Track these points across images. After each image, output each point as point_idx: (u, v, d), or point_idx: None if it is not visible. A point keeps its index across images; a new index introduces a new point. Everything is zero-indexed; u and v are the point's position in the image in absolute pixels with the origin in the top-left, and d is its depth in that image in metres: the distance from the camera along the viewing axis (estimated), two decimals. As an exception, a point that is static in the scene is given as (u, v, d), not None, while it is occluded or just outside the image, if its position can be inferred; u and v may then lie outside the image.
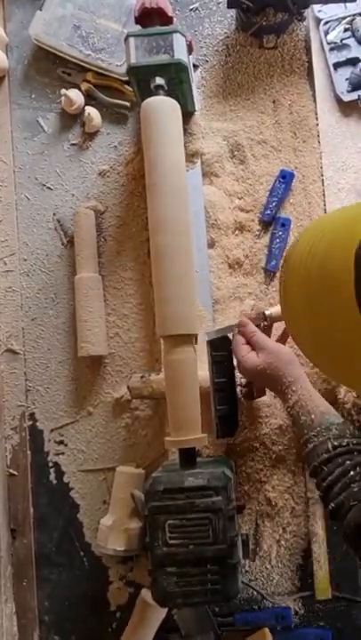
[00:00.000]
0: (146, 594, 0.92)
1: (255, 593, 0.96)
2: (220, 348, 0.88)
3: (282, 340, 0.91)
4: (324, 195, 1.04)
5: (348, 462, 0.71)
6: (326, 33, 1.05)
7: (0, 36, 1.05)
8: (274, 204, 1.01)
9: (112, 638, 0.98)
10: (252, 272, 1.03)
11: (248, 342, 0.85)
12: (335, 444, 0.73)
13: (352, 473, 0.70)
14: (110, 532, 0.92)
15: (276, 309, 0.91)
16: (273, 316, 0.90)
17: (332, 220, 0.59)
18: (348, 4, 1.04)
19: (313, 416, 0.76)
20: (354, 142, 1.06)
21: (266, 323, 0.89)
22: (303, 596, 0.97)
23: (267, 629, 0.92)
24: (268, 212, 1.02)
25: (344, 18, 1.05)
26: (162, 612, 0.92)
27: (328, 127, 1.05)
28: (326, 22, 1.05)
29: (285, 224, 1.01)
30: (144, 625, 0.93)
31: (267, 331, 0.90)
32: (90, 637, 0.99)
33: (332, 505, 0.70)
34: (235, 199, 1.04)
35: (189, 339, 0.82)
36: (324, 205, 1.04)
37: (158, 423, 1.00)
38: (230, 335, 0.89)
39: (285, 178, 1.02)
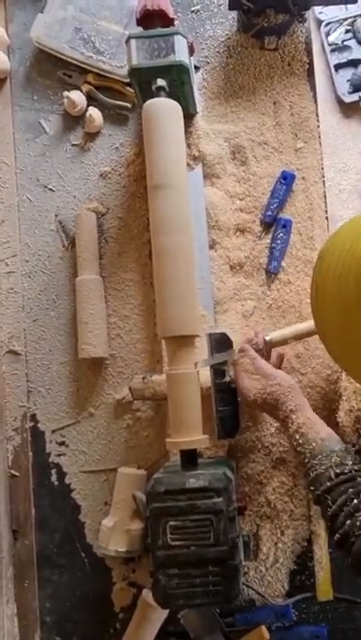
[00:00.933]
0: (147, 595, 0.92)
1: (255, 594, 0.96)
2: (221, 350, 0.88)
3: (278, 364, 0.90)
4: (325, 196, 1.04)
5: (350, 490, 0.70)
6: (327, 34, 1.05)
7: (2, 38, 1.06)
8: (275, 205, 1.01)
9: (113, 639, 0.98)
10: (254, 273, 1.03)
11: (248, 368, 0.85)
12: (337, 471, 0.72)
13: (356, 501, 0.69)
14: (112, 533, 0.92)
15: (276, 334, 0.90)
16: (273, 342, 0.90)
17: None
18: (349, 6, 1.04)
19: (314, 444, 0.76)
20: (355, 143, 1.06)
21: (265, 347, 0.89)
22: (304, 598, 0.97)
23: (263, 627, 0.92)
24: (270, 213, 1.02)
25: (345, 19, 1.05)
26: (163, 614, 0.92)
27: (329, 128, 1.05)
28: (327, 24, 1.05)
29: (286, 225, 1.01)
30: (145, 626, 0.93)
31: (265, 353, 0.89)
32: (91, 638, 0.99)
33: (338, 535, 0.70)
34: (236, 200, 1.04)
35: (191, 340, 0.82)
36: (326, 207, 1.04)
37: (160, 424, 1.00)
38: (230, 335, 0.89)
39: (286, 179, 1.02)
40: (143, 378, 0.93)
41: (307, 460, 0.76)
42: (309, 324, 0.88)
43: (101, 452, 1.01)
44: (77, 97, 1.03)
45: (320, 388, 0.97)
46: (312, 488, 0.74)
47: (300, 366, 0.97)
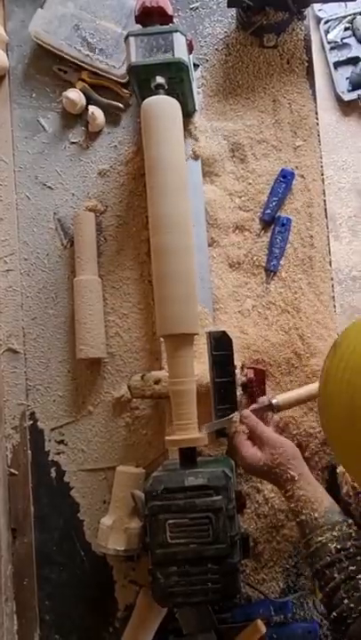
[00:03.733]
0: (146, 593, 0.93)
1: (251, 592, 0.97)
2: (221, 348, 0.88)
3: (280, 430, 0.90)
4: (324, 194, 1.04)
5: (351, 568, 0.69)
6: (327, 32, 1.05)
7: (0, 35, 1.05)
8: (274, 203, 1.01)
9: (113, 637, 0.98)
10: (253, 271, 1.03)
11: (250, 436, 0.84)
12: (338, 547, 0.71)
13: (354, 581, 0.68)
14: (111, 531, 0.92)
15: (282, 398, 0.90)
16: (280, 405, 0.89)
17: None
18: (348, 3, 1.04)
19: (316, 514, 0.74)
20: (354, 141, 1.06)
21: (272, 413, 0.88)
22: (302, 595, 0.97)
23: (259, 621, 0.92)
24: (269, 211, 1.02)
25: (344, 17, 1.05)
26: (162, 612, 0.93)
27: (328, 126, 1.05)
28: (327, 21, 1.05)
29: (286, 223, 1.01)
30: (144, 624, 0.93)
31: (268, 417, 0.89)
32: (90, 637, 0.99)
33: (335, 614, 0.68)
34: (235, 198, 1.04)
35: (190, 338, 0.82)
36: (325, 205, 1.04)
37: (158, 422, 1.00)
38: (230, 334, 0.89)
39: (286, 177, 1.02)
40: (142, 376, 0.93)
41: (307, 531, 0.74)
42: (315, 386, 0.88)
43: (100, 451, 1.01)
44: (76, 96, 1.02)
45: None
46: (311, 561, 0.73)
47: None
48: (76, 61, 1.04)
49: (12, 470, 1.00)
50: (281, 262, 1.02)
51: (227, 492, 0.76)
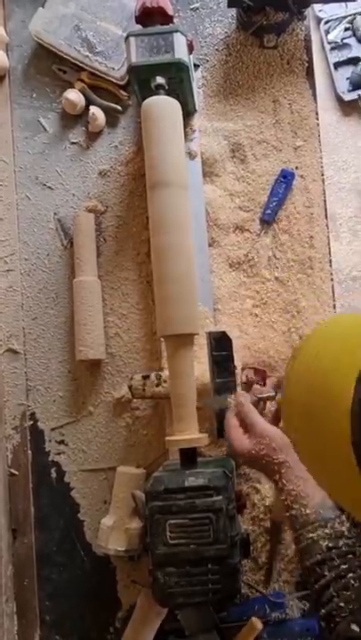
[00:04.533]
0: (146, 593, 0.92)
1: (248, 591, 0.97)
2: (221, 348, 0.88)
3: (276, 420, 0.88)
4: (324, 194, 1.04)
5: (342, 566, 0.68)
6: (327, 32, 1.05)
7: (0, 36, 1.05)
8: (274, 203, 1.01)
9: (113, 638, 0.98)
10: (253, 271, 1.02)
11: (241, 423, 0.82)
12: (329, 545, 0.69)
13: (344, 580, 0.67)
14: (111, 531, 0.92)
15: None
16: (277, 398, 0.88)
17: (342, 328, 0.61)
18: (348, 4, 1.04)
19: (307, 510, 0.72)
20: (354, 142, 1.06)
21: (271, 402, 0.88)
22: (304, 595, 0.97)
23: (255, 618, 0.92)
24: (269, 211, 1.02)
25: (345, 17, 1.05)
26: (162, 612, 0.92)
27: (329, 126, 1.05)
28: (327, 22, 1.05)
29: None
30: (145, 625, 0.93)
31: (263, 406, 0.88)
32: (91, 637, 0.99)
33: (324, 611, 0.67)
34: (235, 198, 1.04)
35: (190, 338, 0.82)
36: (325, 205, 1.03)
37: (159, 423, 1.00)
38: (229, 334, 0.89)
39: (286, 178, 1.02)
40: (143, 377, 0.92)
41: (298, 527, 0.72)
42: None
43: (100, 451, 1.01)
44: (76, 97, 1.02)
45: None
46: (301, 557, 0.71)
47: None
48: (75, 62, 1.04)
49: (13, 470, 1.00)
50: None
51: (227, 493, 0.76)
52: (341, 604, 0.66)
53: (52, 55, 1.05)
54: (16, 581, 0.99)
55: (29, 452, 1.01)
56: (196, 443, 0.80)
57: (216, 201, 1.02)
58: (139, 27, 0.89)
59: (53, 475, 1.01)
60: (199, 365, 0.89)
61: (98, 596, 0.99)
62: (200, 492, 0.75)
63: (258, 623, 0.92)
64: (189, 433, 0.80)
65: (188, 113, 1.00)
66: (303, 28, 1.05)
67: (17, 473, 1.01)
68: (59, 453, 1.01)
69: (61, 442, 1.01)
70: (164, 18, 0.88)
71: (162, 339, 0.90)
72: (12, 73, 1.07)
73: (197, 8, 1.07)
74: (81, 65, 1.04)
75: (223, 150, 1.04)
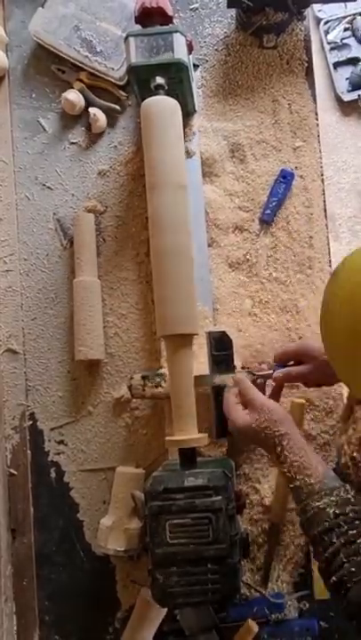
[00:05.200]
0: (146, 593, 0.92)
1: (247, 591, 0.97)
2: (221, 348, 0.88)
3: (275, 396, 0.89)
4: (323, 194, 1.04)
5: (351, 532, 0.67)
6: (326, 32, 1.06)
7: (0, 36, 1.05)
8: (274, 203, 1.01)
9: (113, 638, 0.98)
10: (252, 271, 1.03)
11: (241, 400, 0.82)
12: (337, 512, 0.68)
13: (354, 545, 0.66)
14: (110, 531, 0.92)
15: (283, 371, 0.89)
16: (280, 377, 0.88)
17: None
18: (348, 4, 1.04)
19: (312, 480, 0.72)
20: (354, 142, 1.06)
21: (264, 379, 0.88)
22: (302, 596, 0.97)
23: (250, 620, 0.93)
24: (268, 211, 1.02)
25: (344, 17, 1.06)
26: (162, 612, 0.92)
27: (328, 127, 1.06)
28: (326, 22, 1.06)
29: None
30: (144, 624, 0.93)
31: (262, 385, 0.88)
32: (90, 637, 0.99)
33: (334, 578, 0.67)
34: (235, 198, 1.04)
35: (190, 338, 0.82)
36: (325, 205, 1.04)
37: (158, 423, 1.00)
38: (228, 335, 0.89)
39: (286, 178, 1.02)
40: (143, 377, 0.92)
41: (303, 497, 0.72)
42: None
43: (100, 451, 1.01)
44: (75, 97, 1.02)
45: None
46: (308, 527, 0.71)
47: None
48: (75, 62, 1.04)
49: (12, 470, 1.00)
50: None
51: (227, 493, 0.76)
52: (353, 569, 0.66)
53: (52, 55, 1.05)
54: (15, 581, 0.99)
55: (29, 452, 1.01)
56: (196, 443, 0.80)
57: (216, 201, 1.02)
58: (138, 27, 0.89)
59: (53, 475, 1.01)
60: (199, 366, 0.89)
61: (97, 596, 0.99)
62: (200, 492, 0.75)
63: (254, 626, 0.92)
64: (189, 433, 0.80)
65: (187, 113, 1.01)
66: (303, 29, 1.05)
67: (16, 473, 1.00)
68: (58, 453, 1.01)
69: (61, 442, 1.01)
70: (164, 18, 0.88)
71: (161, 339, 0.90)
72: (11, 73, 1.07)
73: (197, 8, 1.07)
74: (80, 65, 1.04)
75: (223, 150, 1.04)
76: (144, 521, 0.78)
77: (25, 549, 0.99)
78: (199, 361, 0.92)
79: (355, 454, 0.73)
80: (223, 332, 0.89)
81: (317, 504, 0.70)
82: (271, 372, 0.89)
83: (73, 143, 1.06)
